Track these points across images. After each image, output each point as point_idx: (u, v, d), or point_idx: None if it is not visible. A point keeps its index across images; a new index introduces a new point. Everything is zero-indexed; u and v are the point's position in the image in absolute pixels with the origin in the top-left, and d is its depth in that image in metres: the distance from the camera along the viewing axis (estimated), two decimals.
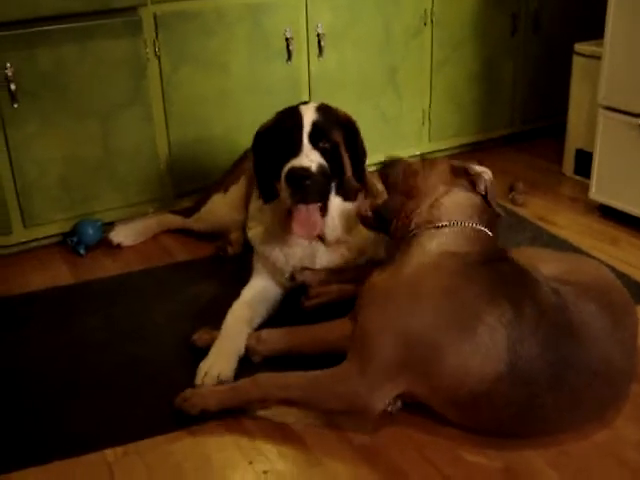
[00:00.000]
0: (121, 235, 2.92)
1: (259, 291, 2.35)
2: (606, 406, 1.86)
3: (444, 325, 1.71)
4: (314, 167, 2.15)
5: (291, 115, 2.24)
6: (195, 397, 1.90)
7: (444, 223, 1.90)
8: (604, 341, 1.78)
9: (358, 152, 2.31)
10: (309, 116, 2.21)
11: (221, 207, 2.83)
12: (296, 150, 2.17)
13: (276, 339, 2.09)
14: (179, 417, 1.89)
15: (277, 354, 2.08)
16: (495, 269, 1.81)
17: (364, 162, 2.34)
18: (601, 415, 1.85)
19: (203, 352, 2.10)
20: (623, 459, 1.74)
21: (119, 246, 2.91)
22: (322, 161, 2.18)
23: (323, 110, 2.26)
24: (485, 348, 1.68)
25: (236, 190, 2.78)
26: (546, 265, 1.98)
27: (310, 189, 2.14)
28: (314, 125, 2.20)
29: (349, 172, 2.27)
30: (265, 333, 2.12)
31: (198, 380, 1.99)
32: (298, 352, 2.05)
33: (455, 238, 1.87)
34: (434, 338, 1.71)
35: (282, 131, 2.22)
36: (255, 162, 2.35)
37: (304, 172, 2.13)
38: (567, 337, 1.74)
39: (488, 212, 1.97)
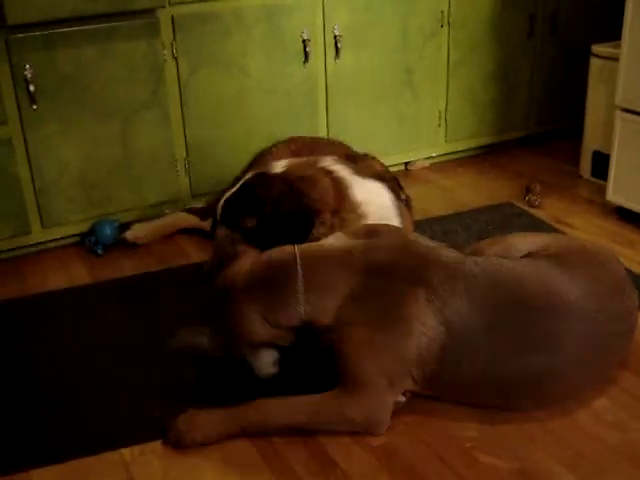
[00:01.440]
0: (136, 233, 2.95)
1: None
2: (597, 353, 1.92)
3: (390, 336, 1.80)
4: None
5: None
6: (193, 430, 1.82)
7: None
8: (577, 301, 1.85)
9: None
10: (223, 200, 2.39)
11: None
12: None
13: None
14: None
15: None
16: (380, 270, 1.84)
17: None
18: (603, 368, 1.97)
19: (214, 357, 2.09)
20: (639, 462, 1.74)
21: (134, 244, 2.93)
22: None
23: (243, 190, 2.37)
24: (424, 334, 1.78)
25: None
26: (521, 242, 2.11)
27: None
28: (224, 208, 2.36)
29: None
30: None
31: None
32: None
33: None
34: (393, 350, 1.80)
35: None
36: None
37: None
38: (498, 285, 1.85)
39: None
